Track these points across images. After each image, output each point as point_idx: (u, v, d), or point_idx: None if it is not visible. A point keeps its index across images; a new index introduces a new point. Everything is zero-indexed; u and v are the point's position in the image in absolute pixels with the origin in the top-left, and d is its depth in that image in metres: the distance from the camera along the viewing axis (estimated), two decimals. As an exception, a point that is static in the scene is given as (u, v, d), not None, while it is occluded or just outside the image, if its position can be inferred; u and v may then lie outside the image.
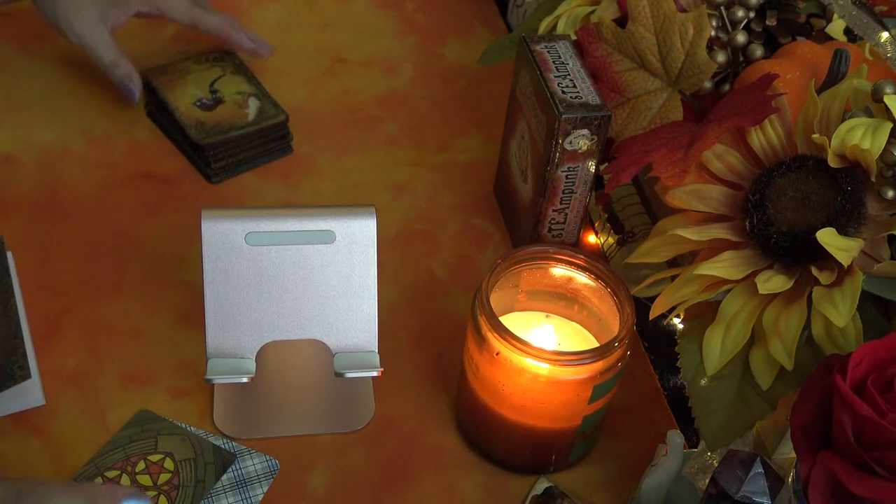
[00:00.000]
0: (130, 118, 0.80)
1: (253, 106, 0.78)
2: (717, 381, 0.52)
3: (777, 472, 0.47)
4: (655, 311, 0.55)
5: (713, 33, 0.61)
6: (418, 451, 0.60)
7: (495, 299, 0.55)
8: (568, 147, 0.62)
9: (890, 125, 0.49)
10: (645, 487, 0.54)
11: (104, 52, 0.76)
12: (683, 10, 0.63)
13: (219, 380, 0.55)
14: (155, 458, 0.56)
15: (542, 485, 0.58)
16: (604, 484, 0.59)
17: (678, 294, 0.54)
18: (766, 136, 0.55)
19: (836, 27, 0.66)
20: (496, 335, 0.52)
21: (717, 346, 0.52)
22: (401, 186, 0.78)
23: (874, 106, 0.52)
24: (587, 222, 0.74)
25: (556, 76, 0.64)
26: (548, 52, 0.66)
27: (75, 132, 0.79)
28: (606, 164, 0.61)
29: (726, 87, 0.63)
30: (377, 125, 0.83)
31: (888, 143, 0.49)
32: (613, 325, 0.56)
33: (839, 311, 0.47)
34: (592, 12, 0.71)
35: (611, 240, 0.73)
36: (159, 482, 0.55)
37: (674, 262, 0.62)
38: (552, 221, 0.67)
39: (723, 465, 0.48)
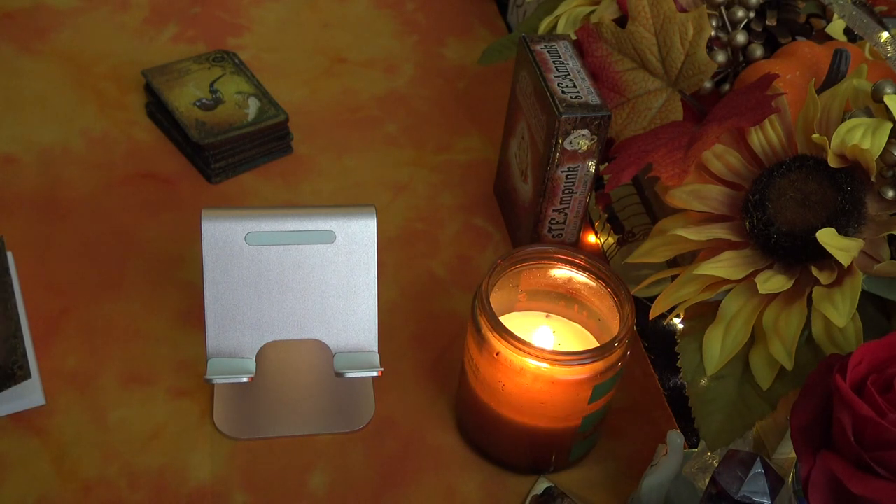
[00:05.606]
0: (130, 118, 0.80)
1: (253, 106, 0.78)
2: (717, 381, 0.52)
3: (777, 472, 0.47)
4: (655, 311, 0.55)
5: (713, 33, 0.61)
6: (418, 451, 0.60)
7: (495, 299, 0.55)
8: (568, 147, 0.62)
9: (890, 125, 0.49)
10: (645, 487, 0.54)
11: None
12: (683, 10, 0.63)
13: (219, 380, 0.55)
14: None
15: (542, 485, 0.58)
16: (604, 484, 0.59)
17: (678, 294, 0.54)
18: (766, 136, 0.55)
19: (836, 27, 0.66)
20: (496, 335, 0.52)
21: (717, 346, 0.52)
22: (401, 186, 0.78)
23: (874, 106, 0.52)
24: (587, 222, 0.74)
25: (556, 76, 0.63)
26: (548, 52, 0.66)
27: (75, 132, 0.79)
28: (606, 164, 0.61)
29: (726, 87, 0.63)
30: (377, 125, 0.83)
31: (888, 143, 0.49)
32: (613, 325, 0.56)
33: (839, 311, 0.47)
34: (592, 12, 0.71)
35: (611, 240, 0.73)
36: None
37: (674, 262, 0.62)
38: (552, 221, 0.67)
39: (723, 465, 0.48)
